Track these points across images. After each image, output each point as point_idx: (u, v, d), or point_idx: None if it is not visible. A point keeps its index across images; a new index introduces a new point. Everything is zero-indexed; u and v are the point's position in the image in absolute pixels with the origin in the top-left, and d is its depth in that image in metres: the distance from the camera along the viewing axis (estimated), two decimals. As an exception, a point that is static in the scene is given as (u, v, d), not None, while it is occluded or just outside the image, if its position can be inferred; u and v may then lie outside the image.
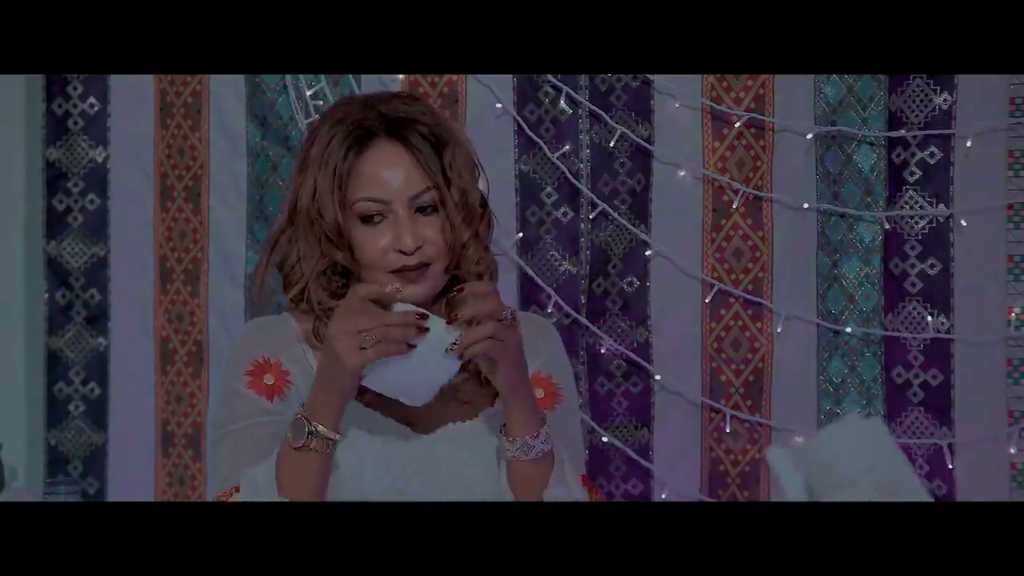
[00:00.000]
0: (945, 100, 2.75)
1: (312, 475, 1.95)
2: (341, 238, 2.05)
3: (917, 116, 2.76)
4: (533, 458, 2.01)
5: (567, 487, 2.04)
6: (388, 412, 2.06)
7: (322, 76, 2.97)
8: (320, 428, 1.94)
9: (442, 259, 2.06)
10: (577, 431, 2.25)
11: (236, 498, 1.99)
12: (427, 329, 1.90)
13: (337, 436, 1.95)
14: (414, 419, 2.07)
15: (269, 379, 2.07)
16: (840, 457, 1.53)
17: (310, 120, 2.97)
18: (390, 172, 2.04)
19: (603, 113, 2.89)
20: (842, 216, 2.83)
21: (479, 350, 1.93)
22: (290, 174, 2.36)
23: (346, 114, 2.09)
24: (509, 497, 2.04)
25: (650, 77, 2.87)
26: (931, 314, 2.77)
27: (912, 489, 1.56)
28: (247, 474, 1.99)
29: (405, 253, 2.02)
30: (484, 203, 2.14)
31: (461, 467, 2.06)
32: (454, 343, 1.92)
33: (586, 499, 2.07)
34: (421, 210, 2.05)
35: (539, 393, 2.13)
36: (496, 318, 1.92)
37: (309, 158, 2.08)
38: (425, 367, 1.93)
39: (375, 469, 2.01)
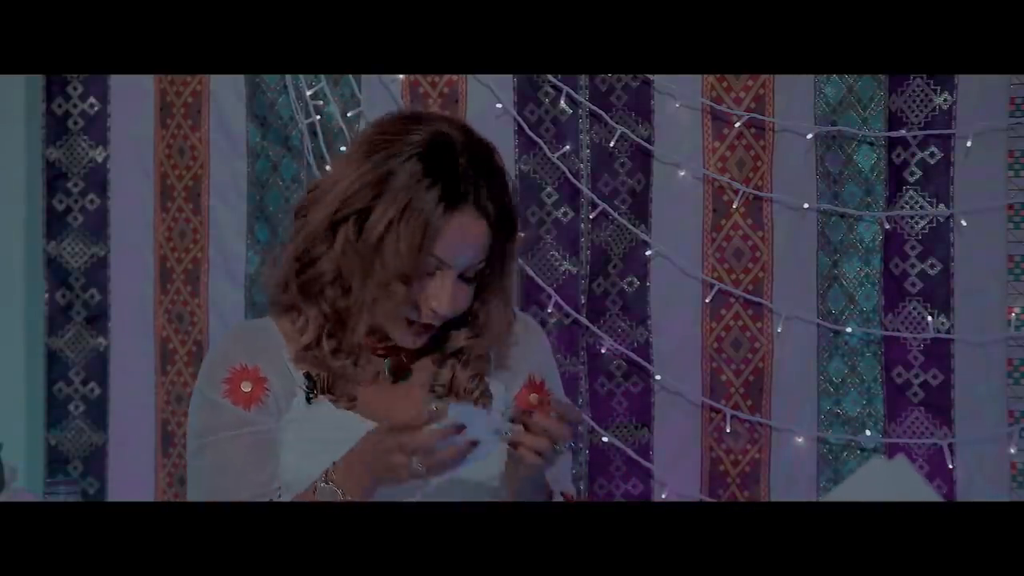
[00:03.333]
0: (945, 100, 2.75)
1: None
2: (408, 281, 1.98)
3: (917, 116, 2.76)
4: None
5: None
6: (369, 413, 2.04)
7: (322, 76, 2.97)
8: (348, 496, 1.93)
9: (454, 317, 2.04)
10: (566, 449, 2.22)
11: None
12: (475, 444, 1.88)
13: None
14: (397, 418, 2.00)
15: (247, 386, 2.04)
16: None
17: (310, 120, 2.97)
18: (466, 245, 1.99)
19: (603, 113, 2.89)
20: (842, 216, 2.83)
21: (530, 460, 1.90)
22: (325, 173, 2.25)
23: (447, 150, 2.00)
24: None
25: (650, 77, 2.87)
26: (931, 314, 2.77)
27: None
28: None
29: (436, 314, 2.00)
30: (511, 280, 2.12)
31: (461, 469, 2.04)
32: (506, 433, 1.89)
33: None
34: (464, 277, 2.02)
35: (533, 399, 2.13)
36: (559, 439, 1.89)
37: (392, 183, 1.97)
38: (474, 455, 1.91)
39: None
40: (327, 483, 1.93)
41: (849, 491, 1.56)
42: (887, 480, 1.54)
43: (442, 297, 1.99)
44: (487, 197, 2.00)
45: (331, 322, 2.04)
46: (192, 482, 2.09)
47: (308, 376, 2.05)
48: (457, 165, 1.99)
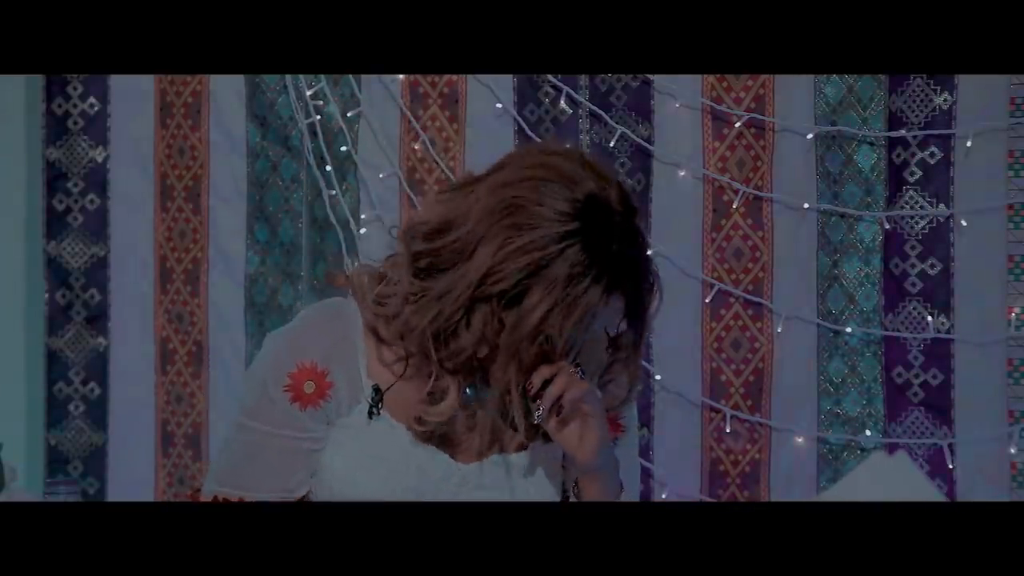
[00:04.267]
0: (945, 100, 2.75)
1: None
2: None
3: (917, 116, 2.76)
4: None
5: None
6: (429, 439, 1.97)
7: (322, 76, 2.97)
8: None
9: None
10: (634, 464, 2.15)
11: None
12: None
13: None
14: (456, 444, 1.98)
15: (309, 387, 1.94)
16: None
17: (310, 120, 2.97)
18: (615, 322, 1.93)
19: (603, 113, 2.89)
20: (842, 216, 2.83)
21: (564, 401, 1.86)
22: (450, 200, 1.93)
23: (599, 234, 1.86)
24: None
25: (650, 77, 2.87)
26: (931, 314, 2.77)
27: None
28: None
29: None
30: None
31: (507, 497, 2.00)
32: (538, 412, 1.86)
33: None
34: None
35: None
36: (565, 372, 1.86)
37: (545, 273, 1.83)
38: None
39: (403, 495, 1.93)
40: None
41: (850, 487, 1.56)
42: (888, 476, 1.54)
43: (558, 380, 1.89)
44: (638, 299, 1.94)
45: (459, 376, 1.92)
46: (224, 450, 2.02)
47: (376, 389, 1.96)
48: (618, 247, 1.87)
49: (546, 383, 1.87)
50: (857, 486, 1.54)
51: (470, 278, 1.83)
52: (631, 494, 2.11)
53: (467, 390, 1.97)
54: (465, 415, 1.98)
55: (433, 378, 1.91)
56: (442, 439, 1.97)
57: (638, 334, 1.97)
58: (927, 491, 1.57)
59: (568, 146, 2.05)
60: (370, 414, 1.96)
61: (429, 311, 1.86)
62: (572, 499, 2.01)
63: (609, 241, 1.85)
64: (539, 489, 2.00)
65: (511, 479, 1.98)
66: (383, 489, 1.93)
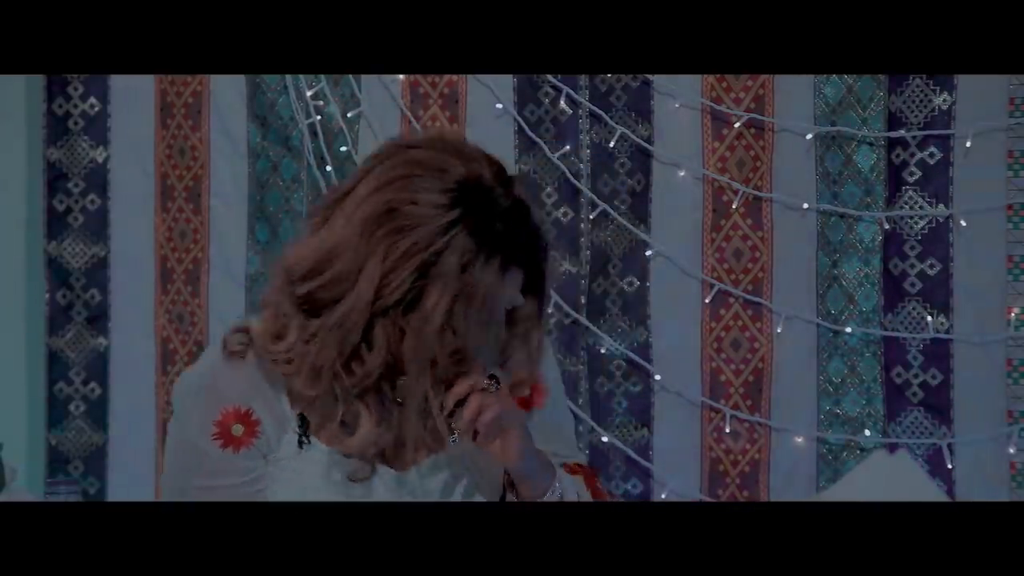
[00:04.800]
0: (945, 100, 2.75)
1: None
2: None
3: (917, 116, 2.76)
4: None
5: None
6: (363, 457, 1.90)
7: (322, 76, 2.97)
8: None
9: None
10: (567, 419, 2.13)
11: None
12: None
13: None
14: (391, 460, 1.93)
15: (238, 430, 1.88)
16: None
17: (310, 120, 2.97)
18: (517, 295, 1.87)
19: (603, 113, 2.89)
20: (842, 216, 2.83)
21: (479, 425, 1.82)
22: (314, 229, 1.86)
23: (481, 213, 1.81)
24: None
25: (650, 77, 2.87)
26: (931, 314, 2.77)
27: None
28: None
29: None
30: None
31: (449, 495, 1.98)
32: (452, 438, 1.84)
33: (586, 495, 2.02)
34: None
35: (524, 391, 2.09)
36: (478, 389, 1.82)
37: (437, 269, 1.77)
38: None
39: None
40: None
41: (852, 484, 1.56)
42: (890, 474, 1.55)
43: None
44: (537, 269, 1.89)
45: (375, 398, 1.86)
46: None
47: (302, 417, 1.90)
48: (508, 224, 1.82)
49: (461, 402, 1.83)
50: (859, 484, 1.55)
51: (364, 297, 1.77)
52: (569, 453, 2.10)
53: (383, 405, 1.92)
54: (389, 432, 1.90)
55: (342, 405, 1.84)
56: (376, 454, 1.91)
57: (539, 305, 1.91)
58: (929, 489, 1.57)
59: (427, 134, 2.00)
60: (300, 444, 1.90)
61: (332, 344, 1.79)
62: (510, 497, 1.99)
63: (492, 220, 1.80)
64: (488, 479, 1.97)
65: (454, 473, 1.94)
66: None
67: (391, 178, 1.79)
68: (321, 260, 1.79)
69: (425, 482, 1.94)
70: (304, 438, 1.90)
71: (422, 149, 1.83)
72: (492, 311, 1.82)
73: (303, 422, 1.90)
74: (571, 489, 2.02)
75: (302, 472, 1.92)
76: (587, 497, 1.99)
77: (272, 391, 1.90)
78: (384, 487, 1.93)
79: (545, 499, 1.94)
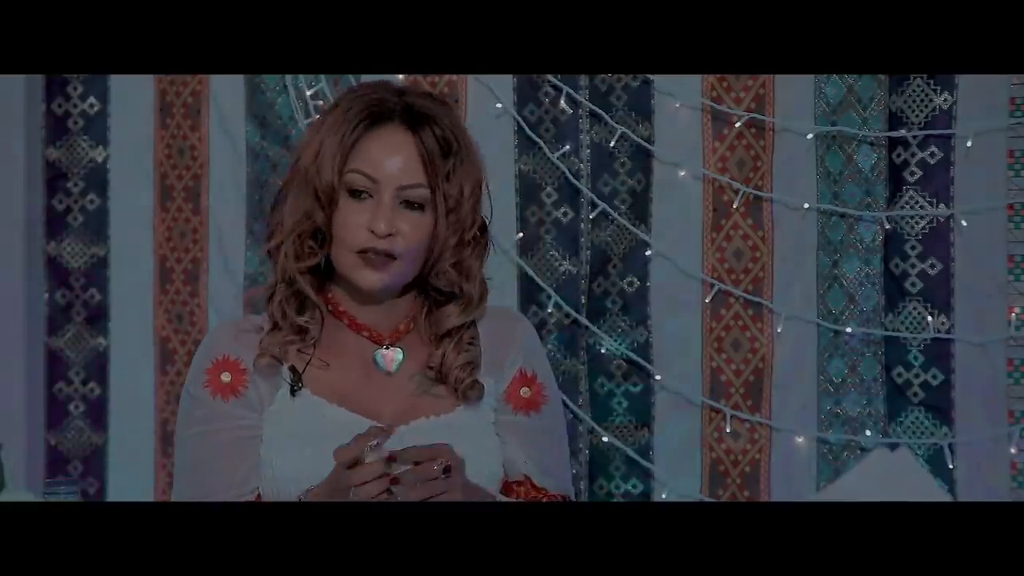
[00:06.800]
0: (945, 100, 2.75)
1: None
2: (330, 203, 2.04)
3: (917, 116, 2.76)
4: None
5: None
6: (352, 406, 2.05)
7: (322, 76, 2.97)
8: None
9: (411, 258, 2.04)
10: (562, 435, 2.21)
11: None
12: (397, 480, 1.90)
13: None
14: (380, 412, 2.06)
15: (226, 377, 2.06)
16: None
17: (310, 120, 2.97)
18: (389, 156, 2.04)
19: (603, 113, 2.89)
20: (842, 216, 2.83)
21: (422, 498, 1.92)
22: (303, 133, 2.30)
23: (373, 91, 2.10)
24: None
25: (650, 77, 2.87)
26: (931, 314, 2.77)
27: None
28: None
29: (376, 235, 2.02)
30: (484, 228, 2.12)
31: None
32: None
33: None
34: (408, 204, 2.04)
35: (525, 392, 2.13)
36: (427, 477, 1.91)
37: (325, 121, 2.08)
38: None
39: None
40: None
41: (853, 482, 1.56)
42: (890, 471, 1.54)
43: (378, 215, 2.01)
44: (420, 119, 2.05)
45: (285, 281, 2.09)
46: (173, 479, 2.11)
47: (293, 369, 2.06)
48: (384, 95, 2.08)
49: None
50: (860, 482, 1.54)
51: (292, 162, 2.11)
52: (561, 465, 2.16)
53: (376, 356, 2.09)
54: (381, 382, 2.08)
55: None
56: (364, 408, 2.05)
57: (437, 192, 2.06)
58: (930, 487, 1.57)
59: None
60: (292, 391, 2.05)
61: (285, 241, 2.07)
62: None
63: (381, 92, 2.08)
64: (475, 448, 2.04)
65: (441, 439, 1.99)
66: (319, 466, 1.95)
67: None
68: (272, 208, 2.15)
69: (416, 440, 1.98)
70: (296, 386, 2.05)
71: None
72: (353, 155, 2.04)
73: (294, 373, 2.05)
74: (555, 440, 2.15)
75: (293, 421, 2.05)
76: None
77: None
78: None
79: None
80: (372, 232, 2.02)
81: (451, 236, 2.06)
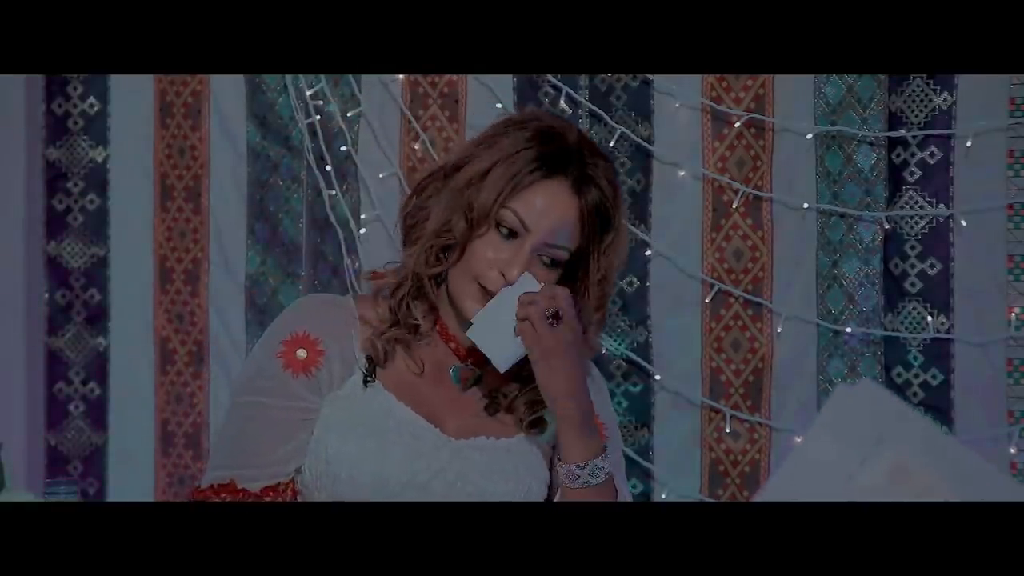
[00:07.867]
0: (945, 100, 2.75)
1: None
2: (477, 226, 2.04)
3: (917, 116, 2.76)
4: (579, 487, 2.01)
5: None
6: (419, 410, 2.06)
7: (322, 76, 2.97)
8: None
9: None
10: (620, 466, 2.24)
11: None
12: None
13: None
14: (444, 422, 2.07)
15: (302, 353, 2.04)
16: (844, 435, 1.51)
17: (310, 120, 2.97)
18: (551, 211, 2.04)
19: (603, 113, 2.89)
20: (842, 216, 2.83)
21: (521, 328, 1.98)
22: (464, 140, 2.44)
23: (559, 134, 2.09)
24: None
25: (650, 77, 2.87)
26: (931, 314, 2.77)
27: (948, 448, 1.53)
28: None
29: (505, 279, 2.03)
30: (604, 303, 2.15)
31: (484, 479, 2.04)
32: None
33: None
34: (547, 261, 2.05)
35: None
36: (541, 309, 1.97)
37: (501, 143, 2.08)
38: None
39: (399, 460, 2.01)
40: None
41: (824, 428, 1.55)
42: (861, 408, 1.53)
43: (515, 262, 2.02)
44: (589, 188, 2.05)
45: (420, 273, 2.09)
46: (216, 438, 2.11)
47: (370, 360, 2.06)
48: (567, 143, 2.06)
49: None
50: (830, 425, 1.53)
51: (452, 165, 2.10)
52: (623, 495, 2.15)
53: (452, 370, 2.11)
54: (450, 395, 2.09)
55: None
56: (430, 415, 2.06)
57: (590, 277, 2.10)
58: (908, 414, 1.55)
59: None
60: (365, 382, 2.05)
61: (422, 242, 2.08)
62: (558, 498, 2.05)
63: (560, 137, 2.08)
64: (526, 472, 2.07)
65: (498, 460, 2.04)
66: (377, 458, 1.96)
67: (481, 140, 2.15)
68: (414, 195, 2.18)
69: (472, 454, 2.00)
70: (369, 377, 2.05)
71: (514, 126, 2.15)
72: (515, 195, 2.04)
73: (370, 363, 2.05)
74: (620, 478, 2.10)
75: (359, 413, 2.04)
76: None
77: (347, 333, 2.08)
78: (432, 444, 1.99)
79: (587, 475, 1.99)
80: (502, 275, 2.03)
81: (595, 309, 2.09)
